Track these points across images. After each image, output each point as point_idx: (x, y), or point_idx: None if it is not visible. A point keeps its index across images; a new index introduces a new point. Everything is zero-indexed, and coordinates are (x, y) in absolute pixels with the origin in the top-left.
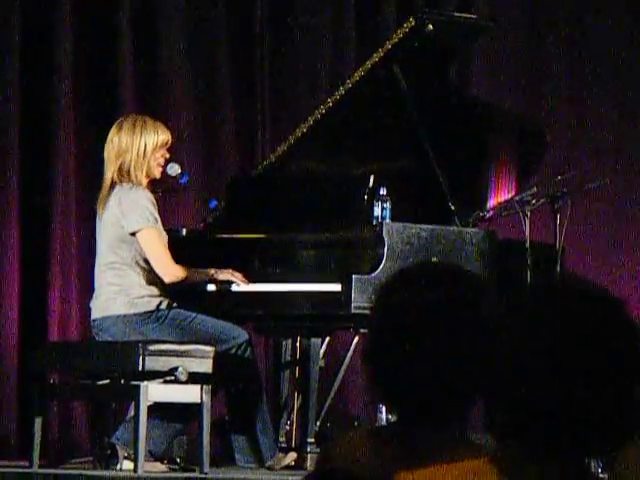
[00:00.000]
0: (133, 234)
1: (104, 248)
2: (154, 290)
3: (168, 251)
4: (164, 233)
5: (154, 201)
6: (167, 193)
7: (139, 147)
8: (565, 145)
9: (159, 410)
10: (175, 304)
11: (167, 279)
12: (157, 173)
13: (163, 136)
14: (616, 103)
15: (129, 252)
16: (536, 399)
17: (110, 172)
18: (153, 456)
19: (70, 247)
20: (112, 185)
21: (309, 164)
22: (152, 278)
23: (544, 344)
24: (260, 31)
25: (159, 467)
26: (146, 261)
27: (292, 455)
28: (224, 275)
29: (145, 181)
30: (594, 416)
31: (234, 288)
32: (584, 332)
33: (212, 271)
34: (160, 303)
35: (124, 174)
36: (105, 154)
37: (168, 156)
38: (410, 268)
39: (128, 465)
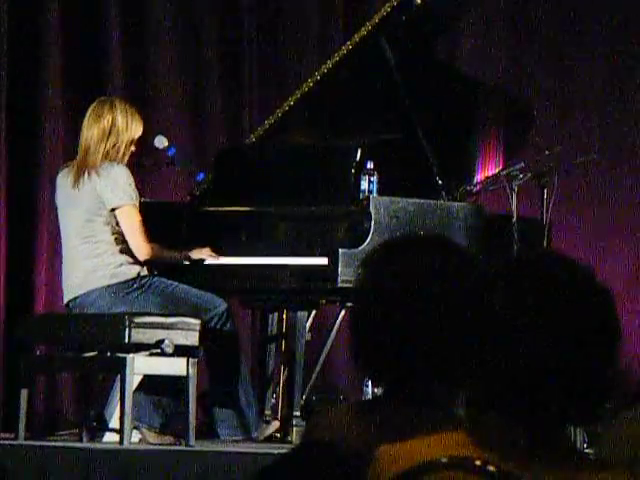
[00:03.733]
0: (113, 210)
1: (78, 222)
2: (130, 259)
3: (144, 229)
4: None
5: (132, 178)
6: (155, 166)
7: (129, 137)
8: (552, 120)
9: (142, 382)
10: (156, 272)
11: (141, 257)
12: (126, 159)
13: (141, 130)
14: (603, 80)
15: (104, 225)
16: (517, 368)
17: (83, 151)
18: (136, 428)
19: (57, 219)
20: (85, 166)
21: (296, 137)
22: (126, 248)
23: (523, 313)
24: (247, 6)
25: (166, 439)
26: (120, 233)
27: (275, 424)
28: (195, 255)
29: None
30: (575, 383)
31: (218, 262)
32: (562, 300)
33: (183, 253)
34: (140, 270)
35: (112, 152)
36: (90, 128)
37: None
38: (395, 239)
39: (111, 437)
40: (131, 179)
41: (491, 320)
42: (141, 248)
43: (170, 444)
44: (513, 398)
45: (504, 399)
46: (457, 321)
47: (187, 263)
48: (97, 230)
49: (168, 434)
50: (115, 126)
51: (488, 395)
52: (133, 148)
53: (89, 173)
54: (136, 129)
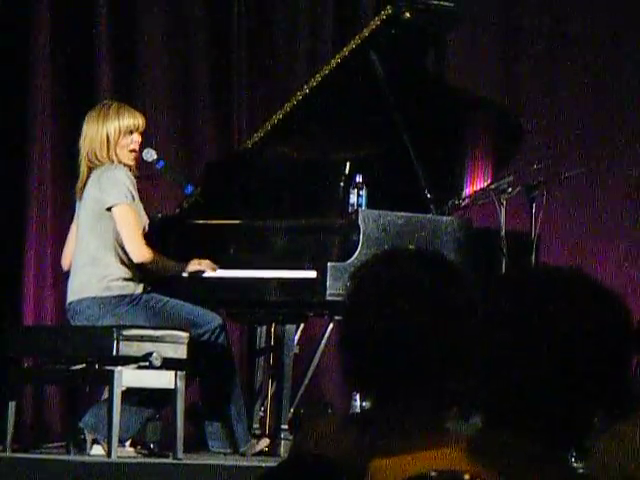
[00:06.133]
0: (109, 209)
1: (82, 230)
2: (130, 274)
3: (141, 232)
4: (145, 217)
5: (134, 181)
6: (144, 179)
7: (102, 135)
8: (541, 134)
9: (130, 395)
10: (150, 288)
11: (136, 259)
12: (127, 160)
13: (127, 122)
14: (593, 91)
15: (106, 233)
16: (520, 384)
17: (83, 163)
18: (121, 442)
19: (45, 231)
20: (88, 174)
21: (285, 150)
22: (128, 262)
23: (525, 327)
24: (238, 14)
25: (128, 452)
26: (123, 244)
27: (265, 441)
28: (192, 268)
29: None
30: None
31: (207, 275)
32: (564, 311)
33: (180, 265)
34: (135, 288)
35: (95, 162)
36: (84, 136)
37: (139, 140)
38: (385, 252)
39: (98, 450)
40: (130, 180)
41: (490, 337)
42: (137, 249)
43: (130, 457)
44: (526, 414)
45: (518, 415)
46: (448, 336)
47: (185, 275)
48: (99, 237)
49: (132, 446)
50: (86, 137)
51: (500, 410)
52: (123, 147)
53: (88, 181)
54: (109, 126)
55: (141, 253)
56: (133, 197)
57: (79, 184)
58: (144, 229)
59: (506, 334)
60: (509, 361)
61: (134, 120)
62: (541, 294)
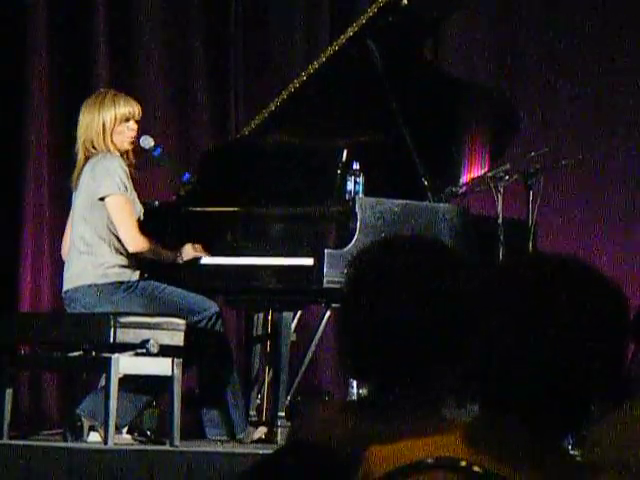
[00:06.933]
0: (102, 199)
1: (77, 219)
2: (125, 261)
3: (135, 221)
4: (140, 206)
5: (127, 171)
6: (141, 166)
7: (98, 123)
8: (538, 121)
9: (127, 382)
10: (146, 275)
11: (131, 248)
12: (126, 145)
13: (123, 109)
14: (589, 79)
15: (100, 221)
16: (530, 369)
17: (80, 151)
18: (118, 428)
19: (42, 219)
20: (84, 163)
21: (282, 138)
22: (124, 250)
23: (525, 313)
24: (235, 7)
25: (125, 439)
26: (117, 234)
27: (262, 429)
28: (187, 255)
29: (117, 153)
30: (589, 386)
31: (204, 262)
32: (562, 298)
33: (175, 253)
34: (132, 275)
35: (91, 150)
36: (80, 125)
37: (135, 127)
38: (384, 239)
39: (95, 437)
40: (123, 170)
41: (490, 323)
42: (132, 239)
43: (127, 444)
44: (524, 400)
45: (517, 401)
46: (446, 322)
47: (180, 262)
48: (93, 226)
49: (129, 433)
50: (83, 126)
51: (499, 397)
52: (119, 134)
53: (83, 170)
54: (104, 114)
55: (135, 243)
56: (126, 187)
57: (75, 173)
58: (139, 218)
59: (505, 321)
60: (508, 348)
61: (130, 108)
62: (539, 281)
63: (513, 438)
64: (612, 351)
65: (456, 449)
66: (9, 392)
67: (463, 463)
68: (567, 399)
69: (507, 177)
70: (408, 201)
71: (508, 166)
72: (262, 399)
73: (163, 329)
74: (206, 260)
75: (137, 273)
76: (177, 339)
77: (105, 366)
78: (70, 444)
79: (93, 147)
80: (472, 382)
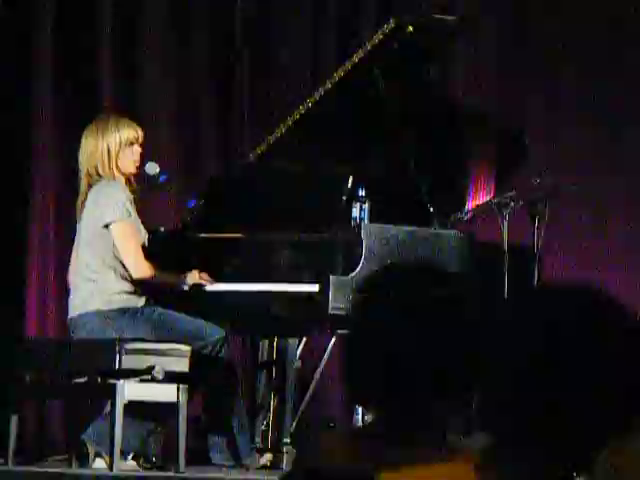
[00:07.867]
0: (106, 226)
1: (82, 246)
2: (131, 287)
3: (140, 247)
4: (144, 231)
5: (130, 197)
6: (148, 191)
7: (102, 149)
8: (544, 147)
9: (132, 408)
10: (152, 301)
11: (135, 275)
12: (131, 169)
13: (127, 133)
14: (596, 104)
15: (105, 248)
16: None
17: (84, 178)
18: (123, 454)
19: (48, 245)
20: (88, 188)
21: (288, 164)
22: (129, 277)
23: (536, 345)
24: (240, 30)
25: (131, 465)
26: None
27: (268, 456)
28: (192, 281)
29: (122, 179)
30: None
31: (210, 288)
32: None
33: (180, 278)
34: (137, 301)
35: (95, 177)
36: (82, 152)
37: (139, 150)
38: (392, 265)
39: (100, 463)
40: (127, 196)
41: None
42: (136, 266)
43: (133, 470)
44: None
45: (532, 434)
46: (455, 352)
47: (185, 288)
48: (98, 253)
49: (134, 459)
50: (86, 152)
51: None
52: (124, 159)
53: (88, 197)
54: (109, 139)
55: (140, 269)
56: (130, 213)
57: (79, 200)
58: (143, 244)
59: (524, 359)
60: (528, 385)
61: (134, 132)
62: (560, 321)
63: (525, 470)
64: (634, 382)
65: (466, 477)
66: (14, 418)
67: None
68: (585, 431)
69: (512, 203)
70: (414, 227)
71: (513, 192)
72: (267, 425)
73: (168, 355)
74: (211, 286)
75: (142, 299)
76: (182, 365)
77: (110, 393)
78: (76, 470)
79: (97, 174)
80: (484, 413)
